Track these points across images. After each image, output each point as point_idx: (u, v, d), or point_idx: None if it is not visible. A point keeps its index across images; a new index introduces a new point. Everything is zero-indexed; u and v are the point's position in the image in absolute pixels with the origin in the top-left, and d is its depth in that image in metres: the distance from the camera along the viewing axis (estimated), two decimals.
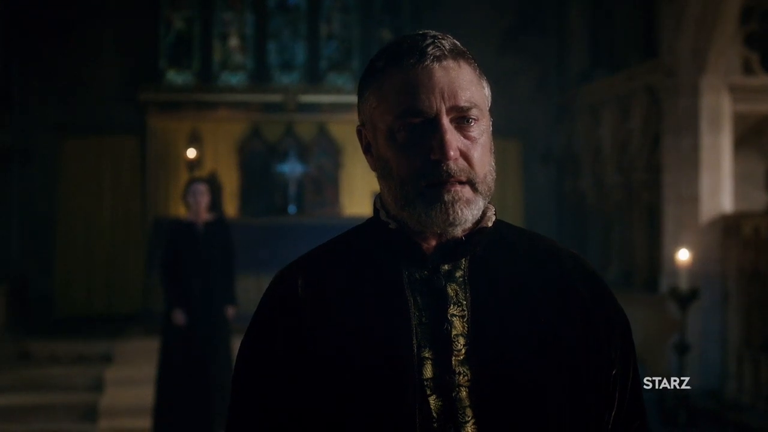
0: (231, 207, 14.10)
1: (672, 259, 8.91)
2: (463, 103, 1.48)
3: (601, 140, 11.99)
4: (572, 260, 1.60)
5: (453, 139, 1.47)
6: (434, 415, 1.46)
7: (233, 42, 14.85)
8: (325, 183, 14.62)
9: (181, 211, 12.83)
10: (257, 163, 14.43)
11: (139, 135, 14.04)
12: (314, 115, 14.44)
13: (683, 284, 8.21)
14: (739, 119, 9.84)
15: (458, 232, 1.51)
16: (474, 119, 1.49)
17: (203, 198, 7.50)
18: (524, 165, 14.16)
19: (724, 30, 9.49)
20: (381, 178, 1.55)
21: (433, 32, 1.52)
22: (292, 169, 14.14)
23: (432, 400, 1.46)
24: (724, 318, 9.18)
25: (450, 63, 1.49)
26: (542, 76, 13.94)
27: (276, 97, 14.37)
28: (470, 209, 1.49)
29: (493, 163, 1.54)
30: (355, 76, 14.74)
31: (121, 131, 13.97)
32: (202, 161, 14.12)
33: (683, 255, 8.25)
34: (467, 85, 1.49)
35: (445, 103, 1.47)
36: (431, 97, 1.47)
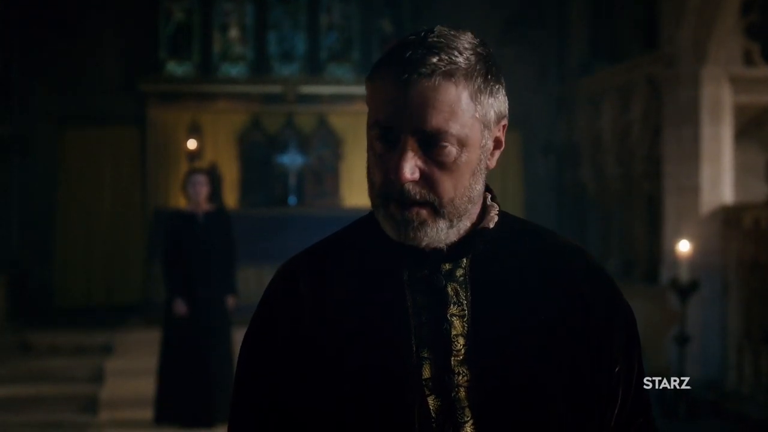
0: (231, 198, 14.10)
1: (672, 251, 8.90)
2: (429, 129, 1.43)
3: (602, 131, 11.98)
4: (576, 255, 1.59)
5: (410, 161, 1.44)
6: (433, 415, 1.45)
7: (233, 33, 14.83)
8: (326, 174, 14.61)
9: (181, 202, 12.83)
10: (257, 154, 14.43)
11: (139, 126, 14.04)
12: (314, 106, 14.42)
13: (683, 275, 8.21)
14: (739, 110, 9.83)
15: (422, 245, 1.49)
16: (444, 144, 1.44)
17: (203, 189, 7.51)
18: (524, 156, 14.15)
19: (724, 21, 9.47)
20: (366, 169, 1.56)
21: (435, 40, 1.45)
22: (292, 160, 14.14)
23: (431, 400, 1.45)
24: (725, 309, 9.17)
25: (431, 83, 1.43)
26: (542, 67, 13.93)
27: (276, 88, 14.36)
28: (425, 232, 1.46)
29: (476, 184, 1.49)
30: (356, 67, 14.73)
31: (121, 122, 13.97)
32: (202, 152, 14.11)
33: (684, 246, 8.24)
34: (443, 108, 1.43)
35: (411, 124, 1.43)
36: (399, 116, 1.44)
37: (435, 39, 1.46)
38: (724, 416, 8.24)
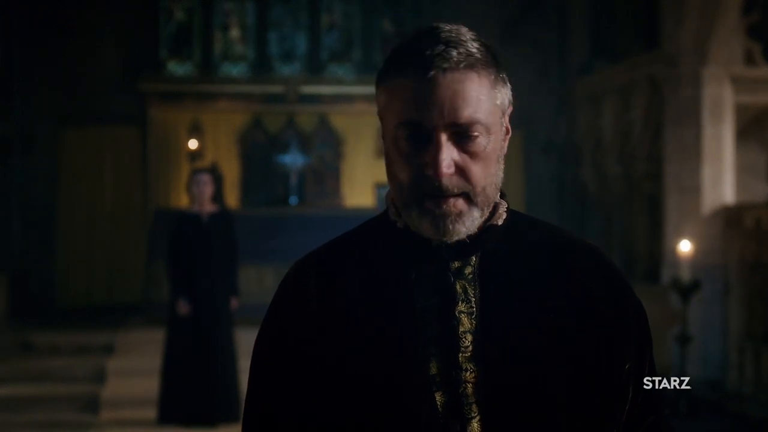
0: (232, 198, 14.10)
1: (673, 250, 8.90)
2: (462, 121, 1.46)
3: (603, 130, 11.98)
4: (587, 252, 1.59)
5: (447, 155, 1.45)
6: (440, 410, 1.46)
7: (234, 32, 14.84)
8: (327, 174, 14.62)
9: (182, 202, 12.86)
10: (258, 154, 14.44)
11: (140, 125, 14.04)
12: (315, 106, 14.43)
13: (685, 275, 8.20)
14: (740, 110, 9.83)
15: (454, 239, 1.50)
16: (476, 134, 1.47)
17: (206, 188, 7.52)
18: (525, 155, 14.15)
19: (726, 20, 9.47)
20: (387, 173, 1.54)
21: (447, 35, 1.48)
22: (293, 160, 14.15)
23: (438, 396, 1.47)
24: (726, 309, 9.17)
25: (457, 75, 1.46)
26: (543, 67, 13.92)
27: (277, 88, 14.36)
28: (462, 222, 1.48)
29: (500, 171, 1.52)
30: (356, 66, 14.72)
31: (122, 121, 13.97)
32: (203, 152, 14.12)
33: (685, 246, 8.24)
34: (471, 99, 1.46)
35: (444, 118, 1.45)
36: (431, 112, 1.45)
37: (446, 33, 1.48)
38: (725, 415, 8.24)
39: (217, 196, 9.31)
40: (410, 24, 14.43)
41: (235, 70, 14.81)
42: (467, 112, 1.46)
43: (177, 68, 14.65)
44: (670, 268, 9.37)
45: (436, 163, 1.45)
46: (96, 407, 8.29)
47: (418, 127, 1.46)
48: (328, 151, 14.57)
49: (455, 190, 1.46)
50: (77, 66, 13.69)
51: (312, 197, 14.43)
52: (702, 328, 9.11)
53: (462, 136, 1.46)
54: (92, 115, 13.76)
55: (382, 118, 1.54)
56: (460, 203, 1.47)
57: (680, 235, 8.89)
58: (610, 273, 1.59)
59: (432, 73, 1.45)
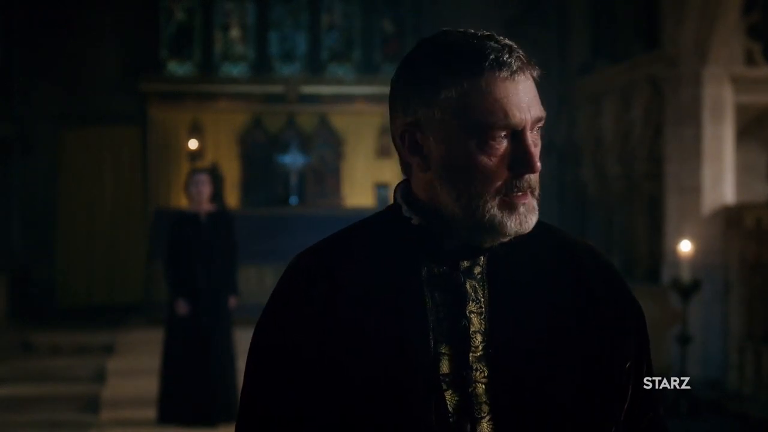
0: (232, 198, 14.10)
1: (674, 250, 8.90)
2: (540, 114, 1.51)
3: (603, 130, 11.98)
4: (587, 253, 1.62)
5: (537, 152, 1.50)
6: (450, 410, 1.47)
7: (234, 32, 14.84)
8: (327, 174, 14.62)
9: (182, 202, 12.85)
10: (258, 154, 14.45)
11: (140, 125, 14.05)
12: (315, 106, 14.43)
13: (685, 275, 8.20)
14: (741, 110, 9.82)
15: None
16: (540, 129, 1.53)
17: (205, 188, 7.51)
18: None
19: (726, 20, 9.47)
20: (448, 181, 1.51)
21: (502, 39, 1.53)
22: (293, 160, 14.15)
23: (448, 395, 1.48)
24: (726, 309, 9.17)
25: (529, 74, 1.52)
26: (543, 67, 13.86)
27: (277, 88, 14.36)
28: (535, 216, 1.52)
29: None
30: (356, 66, 14.72)
31: (122, 121, 13.98)
32: (204, 152, 14.12)
33: (685, 246, 8.24)
34: (538, 97, 1.53)
35: (531, 116, 1.50)
36: (521, 111, 1.49)
37: (501, 38, 1.54)
38: (725, 415, 8.24)
39: (217, 196, 9.32)
40: (410, 24, 14.42)
41: (236, 70, 14.81)
42: (541, 110, 1.52)
43: (177, 68, 14.65)
44: (670, 268, 9.37)
45: (532, 160, 1.49)
46: (96, 407, 8.29)
47: (506, 128, 1.48)
48: (328, 151, 14.57)
49: (533, 185, 1.51)
50: (77, 66, 13.70)
51: (312, 197, 14.43)
52: (702, 328, 9.11)
53: (533, 130, 1.51)
54: (92, 114, 13.76)
55: (438, 125, 1.51)
56: (533, 199, 1.52)
57: (680, 235, 8.89)
58: (609, 273, 1.62)
59: (515, 74, 1.49)
